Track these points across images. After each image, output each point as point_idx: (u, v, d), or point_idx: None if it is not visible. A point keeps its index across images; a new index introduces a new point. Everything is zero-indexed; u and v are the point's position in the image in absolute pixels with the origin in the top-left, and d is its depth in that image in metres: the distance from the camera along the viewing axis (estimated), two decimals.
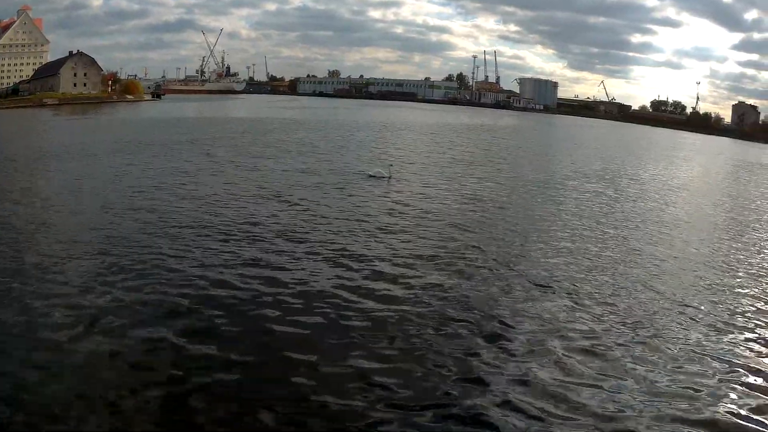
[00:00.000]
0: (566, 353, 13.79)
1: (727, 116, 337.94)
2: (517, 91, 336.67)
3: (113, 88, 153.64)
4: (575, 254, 22.24)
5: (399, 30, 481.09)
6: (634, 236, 26.34)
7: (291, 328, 14.47)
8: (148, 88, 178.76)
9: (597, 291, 18.21)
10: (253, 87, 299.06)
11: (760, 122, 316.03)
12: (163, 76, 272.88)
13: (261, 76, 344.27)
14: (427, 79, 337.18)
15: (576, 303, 16.95)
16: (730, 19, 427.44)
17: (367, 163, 44.30)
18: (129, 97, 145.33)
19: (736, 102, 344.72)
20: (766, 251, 26.05)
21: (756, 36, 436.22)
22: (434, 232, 24.23)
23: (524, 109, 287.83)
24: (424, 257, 20.55)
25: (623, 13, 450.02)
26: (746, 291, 19.59)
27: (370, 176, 36.66)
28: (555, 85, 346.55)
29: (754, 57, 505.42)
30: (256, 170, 38.81)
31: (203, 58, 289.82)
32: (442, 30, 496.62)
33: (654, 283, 19.47)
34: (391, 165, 38.09)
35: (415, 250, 21.48)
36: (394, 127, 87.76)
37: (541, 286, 18.36)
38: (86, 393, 11.23)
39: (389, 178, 36.02)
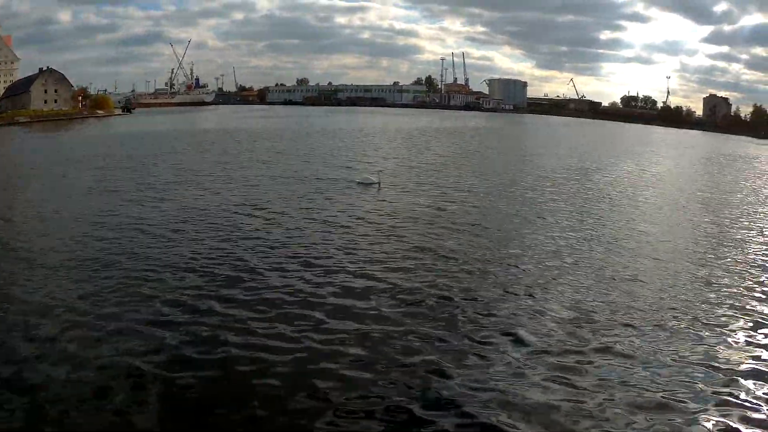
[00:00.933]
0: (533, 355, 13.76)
1: (698, 109, 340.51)
2: (487, 92, 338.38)
3: (84, 103, 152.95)
4: (553, 255, 22.31)
5: (366, 35, 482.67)
6: (607, 237, 26.32)
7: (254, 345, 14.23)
8: (119, 102, 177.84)
9: (575, 291, 18.31)
10: (223, 98, 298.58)
11: (732, 114, 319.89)
12: (133, 90, 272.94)
13: (230, 87, 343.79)
14: (395, 83, 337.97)
15: (550, 305, 16.95)
16: (699, 13, 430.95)
17: (345, 169, 44.56)
18: (99, 112, 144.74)
19: (707, 95, 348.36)
20: (740, 244, 26.27)
21: (726, 28, 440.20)
22: (422, 236, 24.19)
23: (494, 110, 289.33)
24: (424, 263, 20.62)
25: (591, 11, 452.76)
26: (725, 287, 19.60)
27: (359, 183, 36.42)
28: (524, 84, 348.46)
29: (724, 49, 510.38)
30: (233, 181, 38.61)
31: (172, 70, 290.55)
32: (409, 33, 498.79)
33: (633, 282, 19.55)
34: (380, 171, 37.88)
35: (414, 255, 21.53)
36: (364, 133, 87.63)
37: (516, 287, 18.52)
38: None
39: (378, 185, 35.73)
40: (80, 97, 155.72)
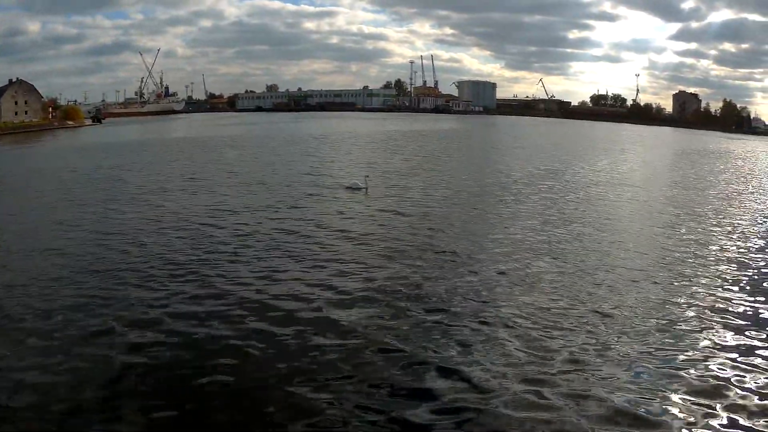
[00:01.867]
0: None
1: (668, 106, 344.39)
2: (456, 95, 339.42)
3: (54, 114, 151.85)
4: (527, 253, 21.93)
5: (334, 40, 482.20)
6: (577, 236, 26.06)
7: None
8: (88, 113, 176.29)
9: (554, 290, 18.13)
10: (193, 106, 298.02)
11: (702, 110, 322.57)
12: (103, 100, 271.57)
13: (200, 95, 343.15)
14: (365, 87, 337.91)
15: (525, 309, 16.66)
16: (666, 10, 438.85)
17: (328, 174, 44.66)
18: (70, 123, 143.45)
19: (677, 91, 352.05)
20: (715, 240, 26.11)
21: (694, 25, 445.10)
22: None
23: (464, 112, 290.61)
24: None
25: (559, 11, 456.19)
26: (702, 283, 19.39)
27: (347, 188, 36.24)
28: (493, 86, 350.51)
29: (693, 46, 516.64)
30: (209, 190, 37.59)
31: (142, 79, 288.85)
32: (378, 37, 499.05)
33: (614, 286, 19.33)
34: (367, 176, 37.23)
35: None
36: (338, 138, 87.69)
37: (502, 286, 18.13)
38: None
39: (366, 189, 35.47)
40: (50, 108, 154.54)
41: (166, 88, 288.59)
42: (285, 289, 18.22)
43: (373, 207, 31.67)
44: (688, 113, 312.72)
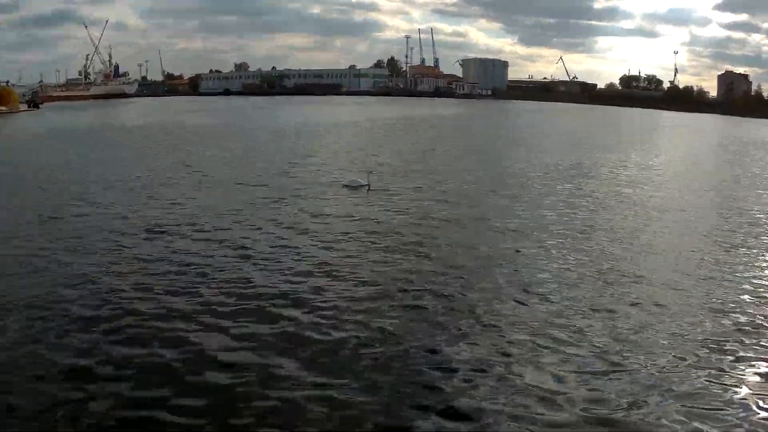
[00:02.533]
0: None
1: (712, 89, 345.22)
2: (460, 75, 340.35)
3: None
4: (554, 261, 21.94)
5: (316, 10, 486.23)
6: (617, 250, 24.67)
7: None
8: (23, 96, 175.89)
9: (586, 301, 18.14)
10: (147, 88, 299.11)
11: (753, 93, 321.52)
12: (41, 81, 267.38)
13: (156, 75, 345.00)
14: (352, 67, 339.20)
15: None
16: None
17: (320, 170, 44.26)
18: (2, 108, 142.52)
19: (723, 71, 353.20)
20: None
21: None
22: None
23: (469, 96, 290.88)
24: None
25: None
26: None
27: (344, 186, 36.44)
28: (505, 65, 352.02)
29: (743, 17, 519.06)
30: (187, 188, 37.10)
31: (87, 56, 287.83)
32: (368, 7, 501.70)
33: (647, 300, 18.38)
34: (371, 172, 37.47)
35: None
36: (319, 128, 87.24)
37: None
38: None
39: (368, 187, 35.66)
40: None
41: (116, 66, 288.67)
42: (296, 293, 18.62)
43: (378, 206, 31.65)
44: (735, 97, 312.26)
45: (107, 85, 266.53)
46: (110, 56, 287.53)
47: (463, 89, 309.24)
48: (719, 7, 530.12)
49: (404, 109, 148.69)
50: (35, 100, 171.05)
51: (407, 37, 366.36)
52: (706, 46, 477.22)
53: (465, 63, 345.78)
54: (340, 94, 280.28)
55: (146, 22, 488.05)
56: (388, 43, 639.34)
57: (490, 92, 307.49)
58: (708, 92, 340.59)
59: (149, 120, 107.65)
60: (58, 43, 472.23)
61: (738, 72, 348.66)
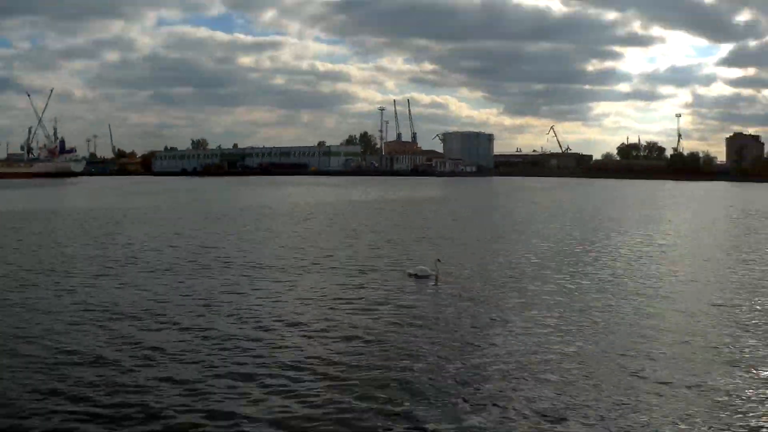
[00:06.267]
0: None
1: (720, 153, 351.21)
2: (441, 151, 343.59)
3: None
4: None
5: (279, 80, 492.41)
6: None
7: None
8: None
9: None
10: (96, 167, 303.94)
11: (766, 155, 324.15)
12: None
13: (106, 151, 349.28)
14: (321, 143, 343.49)
15: None
16: (715, 27, 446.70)
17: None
18: None
19: (731, 134, 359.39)
20: None
21: (752, 44, 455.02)
22: None
23: (452, 174, 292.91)
24: None
25: (573, 35, 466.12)
26: None
27: (410, 275, 36.05)
28: (489, 138, 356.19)
29: (750, 72, 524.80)
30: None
31: (30, 129, 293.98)
32: (337, 77, 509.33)
33: None
34: (439, 260, 36.34)
35: None
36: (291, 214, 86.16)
37: None
38: None
39: (437, 277, 35.12)
40: None
41: (62, 141, 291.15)
42: None
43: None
44: (747, 162, 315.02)
45: (52, 162, 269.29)
46: (55, 129, 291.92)
47: (445, 167, 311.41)
48: (725, 62, 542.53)
49: (380, 191, 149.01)
50: None
51: (381, 110, 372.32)
52: (711, 107, 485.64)
53: (446, 137, 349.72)
54: (309, 174, 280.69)
55: (94, 91, 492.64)
56: (361, 116, 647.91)
57: (474, 169, 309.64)
58: (716, 157, 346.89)
59: (101, 201, 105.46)
60: None
61: (748, 133, 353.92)
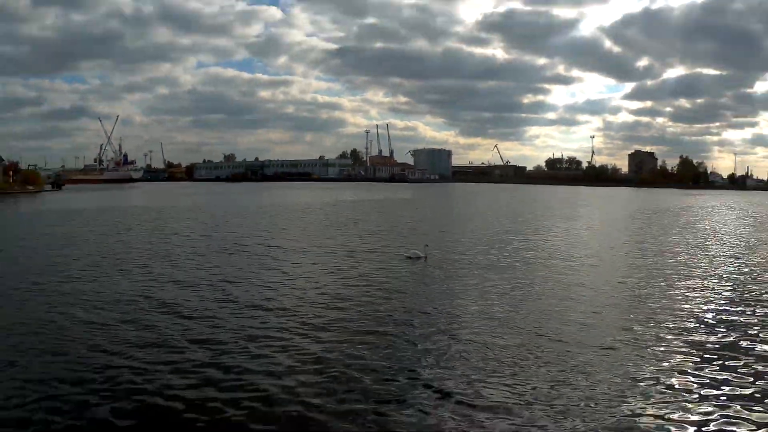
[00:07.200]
0: None
1: (624, 166, 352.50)
2: (412, 163, 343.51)
3: (14, 179, 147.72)
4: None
5: (290, 109, 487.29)
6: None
7: None
8: (48, 178, 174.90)
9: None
10: (151, 174, 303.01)
11: (659, 168, 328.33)
12: (63, 166, 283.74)
13: (158, 163, 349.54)
14: (321, 157, 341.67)
15: None
16: (620, 69, 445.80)
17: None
18: (30, 188, 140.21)
19: (633, 151, 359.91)
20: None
21: (648, 83, 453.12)
22: None
23: (420, 180, 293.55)
24: None
25: (513, 76, 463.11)
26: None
27: (407, 258, 35.92)
28: (449, 153, 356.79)
29: (648, 104, 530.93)
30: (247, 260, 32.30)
31: (101, 146, 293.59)
32: (332, 107, 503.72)
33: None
34: (427, 246, 36.80)
35: None
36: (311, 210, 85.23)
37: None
38: None
39: (425, 258, 35.33)
40: (10, 173, 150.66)
41: (125, 155, 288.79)
42: None
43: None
44: (644, 172, 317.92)
45: (118, 171, 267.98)
46: (120, 146, 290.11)
47: (415, 175, 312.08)
48: (628, 97, 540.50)
49: (366, 193, 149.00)
50: (58, 182, 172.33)
51: (367, 132, 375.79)
52: (617, 131, 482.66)
53: (415, 153, 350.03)
54: (312, 180, 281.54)
55: (148, 118, 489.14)
56: (351, 136, 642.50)
57: (437, 177, 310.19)
58: (621, 169, 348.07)
59: (160, 200, 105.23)
60: (77, 133, 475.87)
61: (645, 150, 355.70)
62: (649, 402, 13.54)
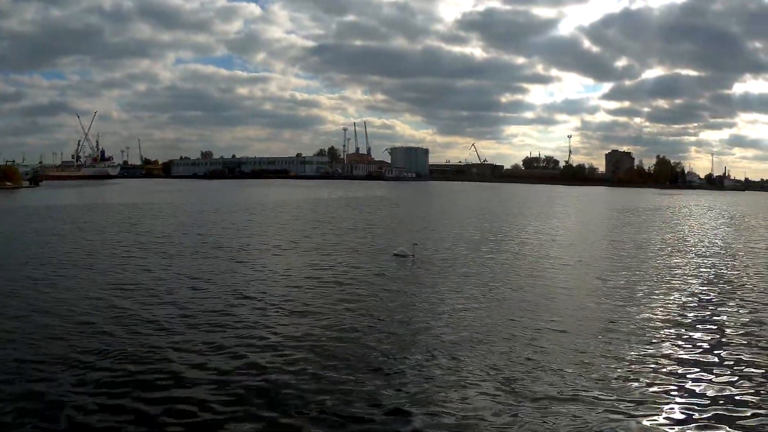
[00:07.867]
0: None
1: (601, 165, 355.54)
2: (389, 161, 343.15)
3: None
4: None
5: (267, 106, 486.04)
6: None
7: None
8: (26, 174, 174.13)
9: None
10: (128, 171, 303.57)
11: (636, 168, 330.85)
12: (41, 162, 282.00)
13: (135, 160, 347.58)
14: (298, 155, 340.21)
15: None
16: (599, 69, 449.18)
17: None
18: (8, 184, 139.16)
19: (609, 150, 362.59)
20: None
21: (627, 83, 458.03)
22: None
23: (397, 179, 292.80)
24: None
25: (492, 75, 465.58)
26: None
27: (395, 256, 35.41)
28: (426, 152, 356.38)
29: (626, 104, 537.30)
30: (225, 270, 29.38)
31: (78, 142, 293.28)
32: (311, 104, 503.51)
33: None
34: (416, 244, 36.23)
35: None
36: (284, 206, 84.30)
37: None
38: None
39: (413, 256, 34.69)
40: None
41: (102, 152, 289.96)
42: None
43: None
44: (621, 172, 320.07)
45: (95, 167, 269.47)
46: (97, 142, 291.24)
47: (392, 173, 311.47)
48: (605, 97, 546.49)
49: (344, 191, 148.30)
50: (36, 178, 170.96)
51: (344, 129, 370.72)
52: (595, 130, 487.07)
53: (393, 151, 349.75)
54: (289, 178, 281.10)
55: (127, 114, 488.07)
56: (328, 134, 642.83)
57: (414, 175, 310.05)
58: (597, 168, 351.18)
59: (135, 196, 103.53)
60: (55, 129, 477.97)
61: (622, 150, 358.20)
62: (624, 401, 13.43)
